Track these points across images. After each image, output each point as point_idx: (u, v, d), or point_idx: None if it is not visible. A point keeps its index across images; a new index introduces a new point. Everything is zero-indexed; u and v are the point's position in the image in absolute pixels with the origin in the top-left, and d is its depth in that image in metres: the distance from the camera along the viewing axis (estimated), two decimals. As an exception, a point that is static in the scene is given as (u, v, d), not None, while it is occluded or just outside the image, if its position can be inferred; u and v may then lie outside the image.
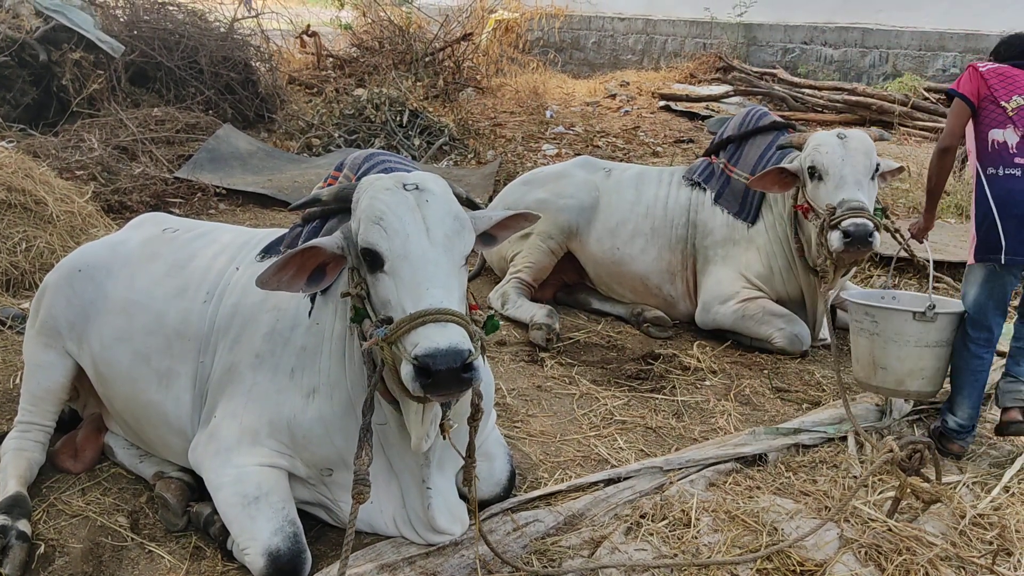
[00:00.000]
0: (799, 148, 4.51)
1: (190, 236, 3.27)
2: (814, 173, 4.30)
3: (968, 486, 3.40)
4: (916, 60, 12.49)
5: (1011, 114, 3.49)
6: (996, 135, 3.47)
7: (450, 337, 2.17)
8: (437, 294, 2.26)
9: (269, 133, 9.46)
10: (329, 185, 2.87)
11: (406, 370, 2.20)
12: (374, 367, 2.45)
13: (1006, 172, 3.42)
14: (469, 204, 2.68)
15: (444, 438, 2.51)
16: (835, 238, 4.06)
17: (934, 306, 3.62)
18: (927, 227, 3.87)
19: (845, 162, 4.22)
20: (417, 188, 2.42)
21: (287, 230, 3.06)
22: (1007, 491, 3.34)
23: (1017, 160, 3.42)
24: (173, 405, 2.99)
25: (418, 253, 2.31)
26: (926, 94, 11.40)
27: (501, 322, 4.91)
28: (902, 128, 10.71)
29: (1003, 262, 3.41)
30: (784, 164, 4.50)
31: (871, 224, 4.02)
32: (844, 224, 4.03)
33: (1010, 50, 3.67)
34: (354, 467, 2.39)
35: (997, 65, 3.62)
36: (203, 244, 3.22)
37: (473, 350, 2.19)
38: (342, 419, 2.71)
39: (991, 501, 3.26)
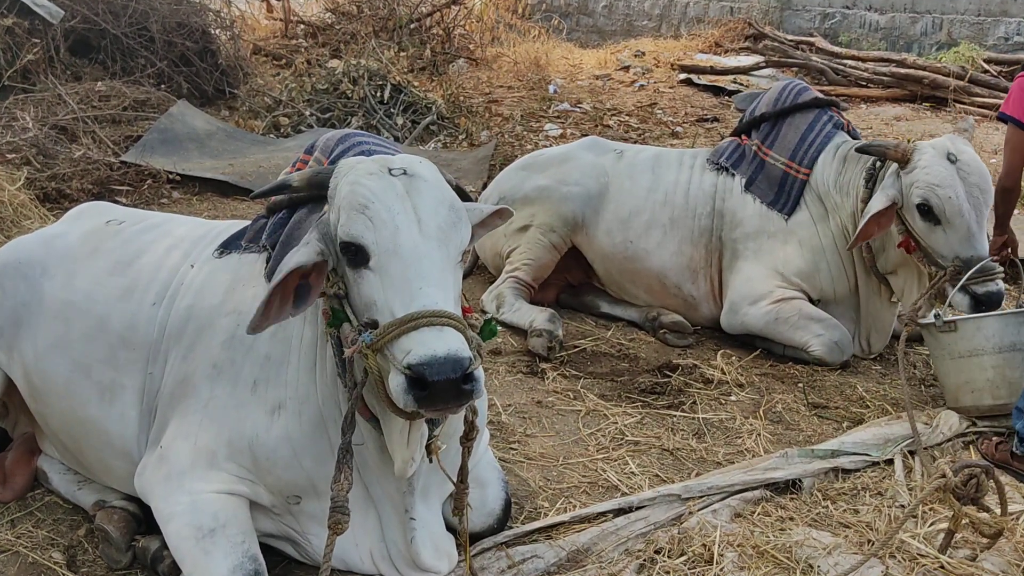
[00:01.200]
0: (898, 162, 4.35)
1: (137, 229, 3.27)
2: (927, 213, 4.22)
3: (1033, 517, 3.40)
4: (974, 27, 12.48)
5: None
6: None
7: (448, 343, 2.16)
8: (432, 294, 2.25)
9: (231, 111, 9.46)
10: (298, 170, 2.87)
11: (396, 381, 2.19)
12: (353, 379, 2.44)
13: None
14: (460, 194, 2.67)
15: (431, 461, 2.51)
16: (962, 301, 4.15)
17: (939, 315, 3.94)
18: (1003, 237, 3.88)
19: (969, 204, 4.17)
20: (405, 173, 2.42)
21: (250, 222, 3.06)
22: (1078, 522, 3.34)
23: None
24: (117, 423, 2.98)
25: (409, 247, 2.31)
26: (986, 66, 11.39)
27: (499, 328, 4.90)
28: (958, 105, 10.72)
29: None
30: (874, 208, 4.31)
31: (1003, 289, 4.16)
32: (979, 291, 4.12)
33: None
34: (331, 492, 2.38)
35: None
36: (153, 238, 3.21)
37: (473, 358, 2.19)
38: (311, 438, 2.70)
39: (1060, 534, 3.26)
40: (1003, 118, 3.82)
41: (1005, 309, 4.22)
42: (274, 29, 12.27)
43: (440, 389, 2.13)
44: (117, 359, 2.99)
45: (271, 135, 8.89)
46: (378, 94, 9.31)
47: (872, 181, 4.53)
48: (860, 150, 4.53)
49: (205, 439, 2.77)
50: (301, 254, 2.44)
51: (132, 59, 9.06)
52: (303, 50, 11.23)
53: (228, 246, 3.02)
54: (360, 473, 2.71)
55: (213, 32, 9.89)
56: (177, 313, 2.94)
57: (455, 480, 2.64)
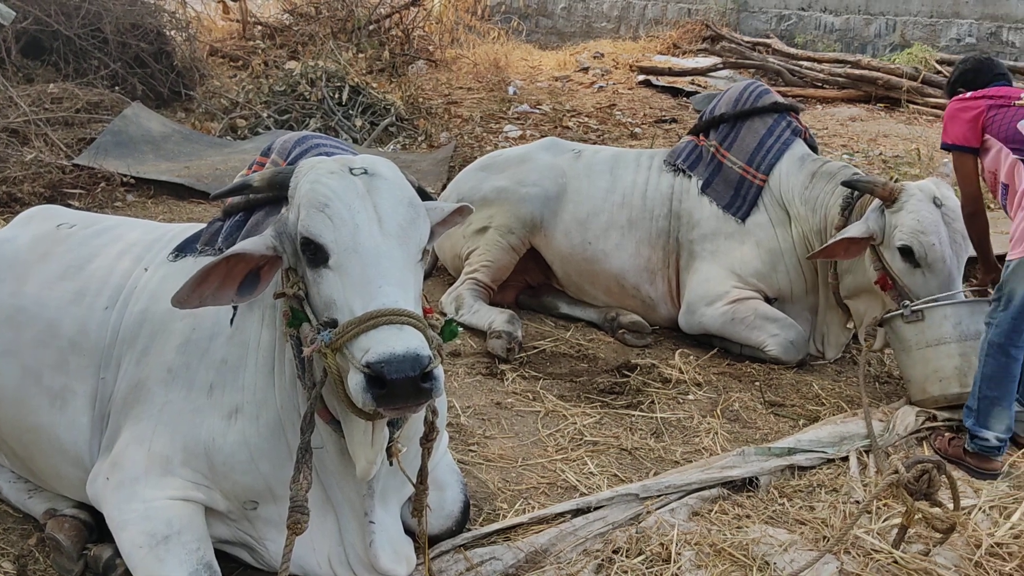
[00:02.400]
0: (884, 200, 4.35)
1: (89, 233, 3.22)
2: (909, 256, 4.24)
3: (985, 511, 3.46)
4: (927, 29, 12.68)
5: None
6: None
7: (407, 341, 2.16)
8: (391, 292, 2.25)
9: (186, 113, 9.37)
10: (255, 172, 2.84)
11: (355, 380, 2.18)
12: (313, 379, 2.43)
13: None
14: (422, 194, 2.66)
15: (392, 463, 2.50)
16: None
17: (907, 304, 4.09)
18: (990, 274, 3.91)
19: (951, 250, 4.22)
20: (366, 172, 2.42)
21: (205, 225, 3.03)
22: (1028, 516, 3.40)
23: None
24: (68, 429, 2.94)
25: (369, 245, 2.31)
26: (938, 67, 11.57)
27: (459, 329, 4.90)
28: (911, 105, 10.87)
29: None
30: (851, 232, 4.35)
31: None
32: None
33: (980, 76, 3.99)
34: (290, 491, 2.37)
35: (961, 98, 3.93)
36: (105, 242, 3.17)
37: (433, 357, 2.19)
38: (269, 442, 2.68)
39: (1011, 528, 3.32)
40: (946, 148, 3.90)
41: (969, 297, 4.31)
42: (231, 30, 12.17)
43: (399, 387, 2.13)
44: (68, 365, 2.95)
45: (228, 137, 8.82)
46: (336, 96, 9.26)
47: (848, 210, 4.56)
48: (847, 184, 4.52)
49: (159, 445, 2.74)
50: (249, 242, 2.45)
51: (85, 61, 8.95)
52: (260, 51, 11.14)
53: (183, 249, 2.99)
54: (319, 477, 2.69)
55: (168, 33, 9.79)
56: (131, 317, 2.91)
57: (415, 482, 2.64)
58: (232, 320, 2.76)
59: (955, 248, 4.21)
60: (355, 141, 8.67)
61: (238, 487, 2.72)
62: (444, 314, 5.05)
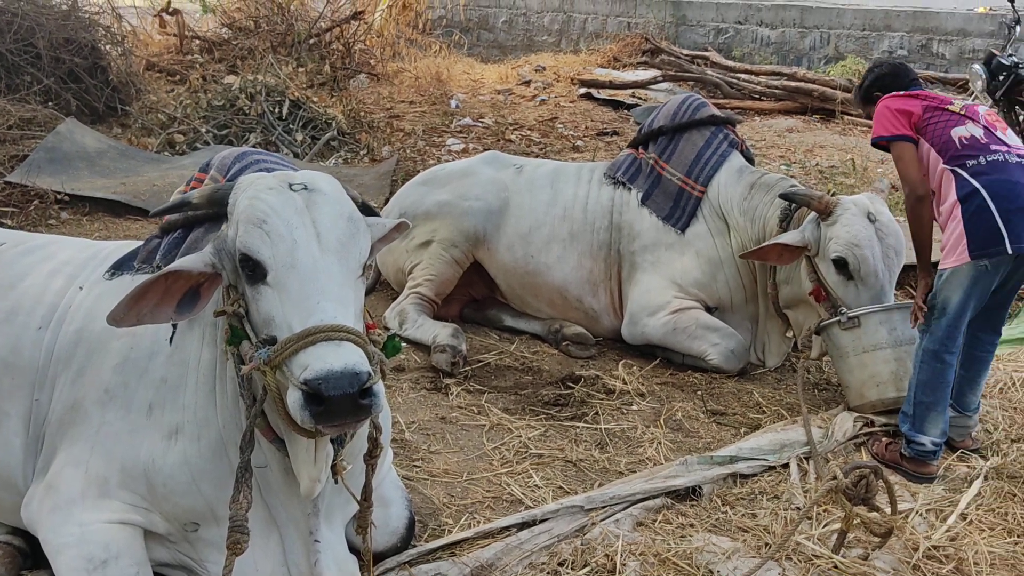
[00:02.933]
0: (819, 213, 4.42)
1: (19, 251, 3.15)
2: (843, 268, 4.31)
3: (922, 514, 3.53)
4: (860, 41, 12.96)
5: (962, 112, 3.80)
6: (960, 132, 3.73)
7: (345, 357, 2.15)
8: (329, 308, 2.24)
9: (123, 128, 9.22)
10: (193, 189, 2.82)
11: (293, 397, 2.17)
12: (253, 398, 2.41)
13: (990, 159, 3.65)
14: (365, 209, 2.66)
15: (336, 481, 2.49)
16: None
17: (843, 311, 4.19)
18: (928, 286, 3.92)
19: (884, 264, 4.30)
20: (306, 188, 2.41)
21: (142, 243, 2.99)
22: (964, 519, 3.48)
23: (995, 147, 3.68)
24: (1, 452, 2.87)
25: (307, 262, 2.30)
26: (872, 79, 11.82)
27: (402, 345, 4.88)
28: (846, 116, 11.09)
29: (1010, 251, 3.56)
30: (786, 239, 4.43)
31: None
32: None
33: (898, 80, 4.02)
34: (230, 512, 2.34)
35: (894, 95, 3.93)
36: (36, 260, 3.11)
37: (372, 373, 2.18)
38: (211, 463, 2.65)
39: (947, 531, 3.39)
40: (882, 140, 3.86)
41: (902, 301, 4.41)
42: (168, 44, 12.01)
43: (336, 404, 2.12)
44: (1, 385, 2.88)
45: (165, 153, 8.69)
46: (276, 110, 9.19)
47: (786, 222, 4.63)
48: (785, 196, 4.60)
49: (96, 466, 2.69)
50: (188, 260, 2.44)
51: (17, 76, 8.76)
52: (198, 66, 11.00)
53: (120, 267, 2.94)
54: (263, 496, 2.66)
55: (103, 48, 9.63)
56: (66, 337, 2.85)
57: (359, 499, 2.62)
58: (171, 338, 2.73)
59: (887, 263, 4.31)
60: (296, 156, 8.61)
61: (178, 509, 2.68)
62: (387, 329, 5.03)
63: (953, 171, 3.67)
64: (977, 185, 3.59)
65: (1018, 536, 3.35)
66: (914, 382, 3.79)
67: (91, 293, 2.91)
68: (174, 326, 2.72)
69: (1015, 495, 3.59)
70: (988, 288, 3.70)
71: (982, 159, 3.65)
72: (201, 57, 11.43)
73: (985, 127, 3.77)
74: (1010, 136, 3.82)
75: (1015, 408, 4.32)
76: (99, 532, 2.63)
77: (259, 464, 2.58)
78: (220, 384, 2.64)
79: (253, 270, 2.34)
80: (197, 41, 11.93)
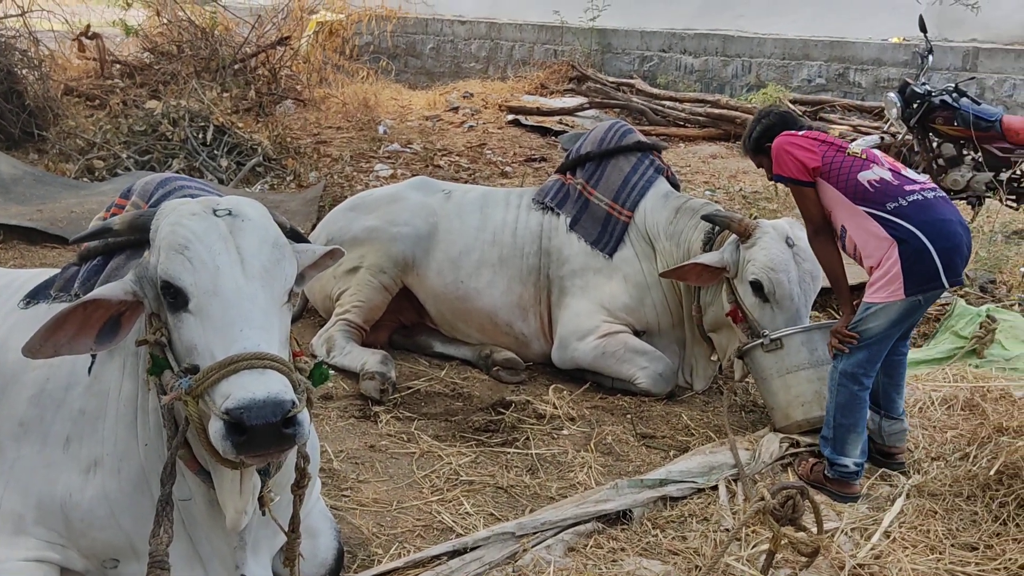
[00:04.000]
0: (739, 235, 4.49)
1: (-71, 281, 3.05)
2: (759, 290, 4.38)
3: (847, 533, 3.59)
4: (780, 70, 13.28)
5: (864, 156, 3.87)
6: (868, 176, 3.79)
7: (269, 386, 2.11)
8: (253, 336, 2.20)
9: (40, 154, 9.01)
10: (114, 215, 2.76)
11: (215, 427, 2.12)
12: (176, 428, 2.36)
13: (911, 200, 3.72)
14: (294, 235, 2.64)
15: (263, 513, 2.44)
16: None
17: (767, 333, 4.27)
18: (849, 317, 3.98)
19: (800, 288, 4.38)
20: (230, 214, 2.37)
21: (59, 271, 2.91)
22: (888, 536, 3.55)
23: (908, 187, 3.76)
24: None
25: (230, 288, 2.25)
26: (791, 106, 12.11)
27: (330, 373, 4.82)
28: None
29: (947, 287, 3.66)
30: (705, 259, 4.52)
31: None
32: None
33: (787, 128, 4.07)
34: (150, 547, 2.27)
35: (793, 133, 4.00)
36: (-55, 290, 3.01)
37: (297, 401, 2.14)
38: (132, 497, 2.57)
39: (871, 549, 3.45)
40: (779, 180, 3.97)
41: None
42: (88, 69, 11.78)
43: (259, 434, 2.07)
44: (-89, 420, 2.77)
45: (84, 179, 8.51)
46: (200, 135, 9.06)
47: (709, 244, 4.71)
48: (706, 218, 4.67)
49: (11, 503, 2.61)
50: (107, 288, 2.38)
51: (-71, 100, 8.52)
52: (119, 90, 10.81)
53: (35, 296, 2.85)
54: (187, 529, 2.59)
55: (19, 72, 9.41)
56: (-23, 369, 2.76)
57: (287, 530, 2.57)
58: (90, 369, 2.65)
59: (803, 287, 4.40)
60: (221, 182, 8.49)
61: (97, 544, 2.60)
62: (315, 356, 4.97)
63: (872, 214, 3.73)
64: (912, 228, 3.65)
65: (940, 553, 3.42)
66: (832, 405, 3.86)
67: (5, 323, 2.82)
68: (93, 356, 2.65)
69: (936, 512, 3.67)
70: (918, 317, 3.84)
71: (902, 200, 3.71)
72: (122, 82, 11.24)
73: (891, 169, 3.85)
74: (913, 174, 3.92)
75: (935, 427, 4.42)
76: (14, 571, 2.54)
77: (183, 497, 2.52)
78: (142, 415, 2.57)
79: (175, 297, 2.30)
80: (118, 65, 11.73)
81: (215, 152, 8.97)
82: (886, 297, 3.68)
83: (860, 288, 4.06)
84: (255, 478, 2.41)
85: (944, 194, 3.88)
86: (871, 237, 3.74)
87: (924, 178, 3.95)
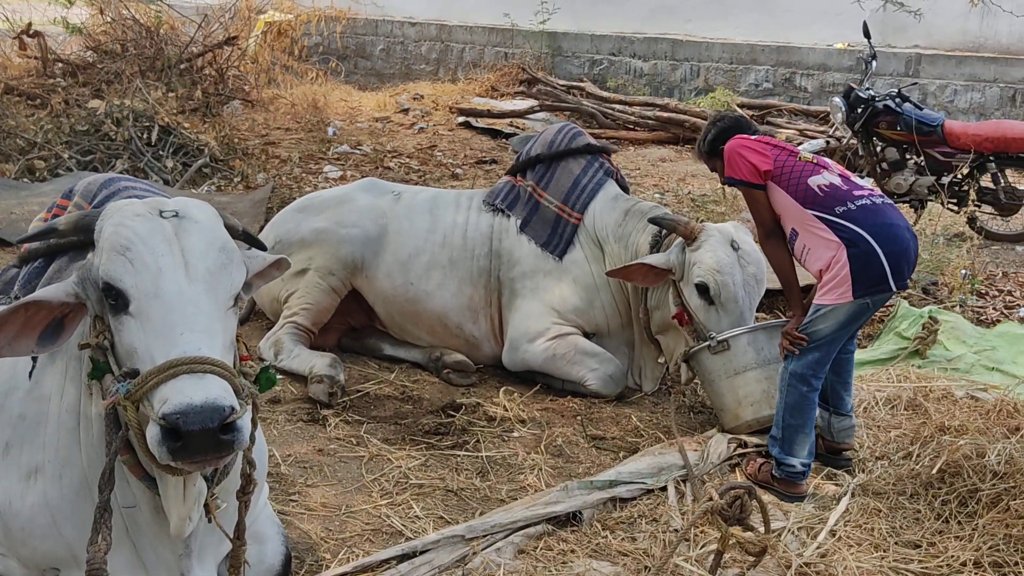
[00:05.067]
0: (685, 238, 4.52)
1: None
2: (704, 292, 4.41)
3: (793, 532, 3.63)
4: (728, 74, 13.43)
5: (815, 162, 3.94)
6: (818, 180, 3.86)
7: (207, 391, 2.08)
8: (194, 340, 2.16)
9: (-22, 155, 8.81)
10: (55, 216, 2.71)
11: (152, 432, 2.09)
12: (112, 434, 2.31)
13: (859, 204, 3.78)
14: (247, 239, 2.61)
15: (210, 520, 2.40)
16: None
17: (713, 335, 4.29)
18: (798, 321, 4.01)
19: (744, 292, 4.42)
20: (176, 215, 2.33)
21: (-2, 272, 2.86)
22: (833, 535, 3.59)
23: (856, 192, 3.83)
24: None
25: (172, 291, 2.21)
26: (739, 110, 12.26)
27: (278, 377, 4.77)
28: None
29: (894, 289, 3.73)
30: (651, 260, 4.54)
31: None
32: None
33: (741, 132, 4.12)
34: (87, 554, 2.22)
35: (746, 137, 4.05)
36: None
37: (236, 407, 2.11)
38: (74, 504, 2.52)
39: (817, 548, 3.49)
40: (731, 183, 4.02)
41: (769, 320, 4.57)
42: (29, 67, 11.52)
43: (195, 440, 2.04)
44: None
45: (25, 180, 8.33)
46: (145, 136, 8.92)
47: (657, 247, 4.73)
48: (653, 221, 4.70)
49: (-54, 512, 2.54)
50: (48, 290, 2.33)
51: None
52: (61, 90, 10.59)
53: (-29, 299, 2.79)
54: (131, 537, 2.54)
55: (-43, 70, 9.19)
56: (-87, 374, 2.69)
57: (232, 537, 2.54)
58: (31, 374, 2.60)
59: (748, 290, 4.45)
60: (166, 183, 8.37)
61: (38, 553, 2.56)
62: (262, 359, 4.92)
63: (822, 217, 3.78)
64: (860, 231, 3.71)
65: (884, 551, 3.48)
66: (781, 406, 3.90)
67: (-61, 328, 2.75)
68: (34, 360, 2.60)
69: (880, 511, 3.73)
70: (866, 320, 3.90)
71: (851, 205, 3.78)
72: (64, 81, 11.01)
73: (840, 175, 3.92)
74: (861, 181, 4.01)
75: (879, 427, 4.49)
76: (-52, 582, 2.48)
77: (128, 504, 2.48)
78: (84, 421, 2.52)
79: (116, 299, 2.25)
80: (60, 64, 11.50)
81: (160, 153, 8.84)
82: (835, 299, 3.73)
83: (807, 289, 4.11)
84: (200, 484, 2.37)
85: (891, 201, 3.97)
86: (820, 241, 3.79)
87: (870, 186, 4.02)
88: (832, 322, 3.77)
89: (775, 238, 3.98)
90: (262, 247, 2.83)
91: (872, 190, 3.94)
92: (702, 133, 4.31)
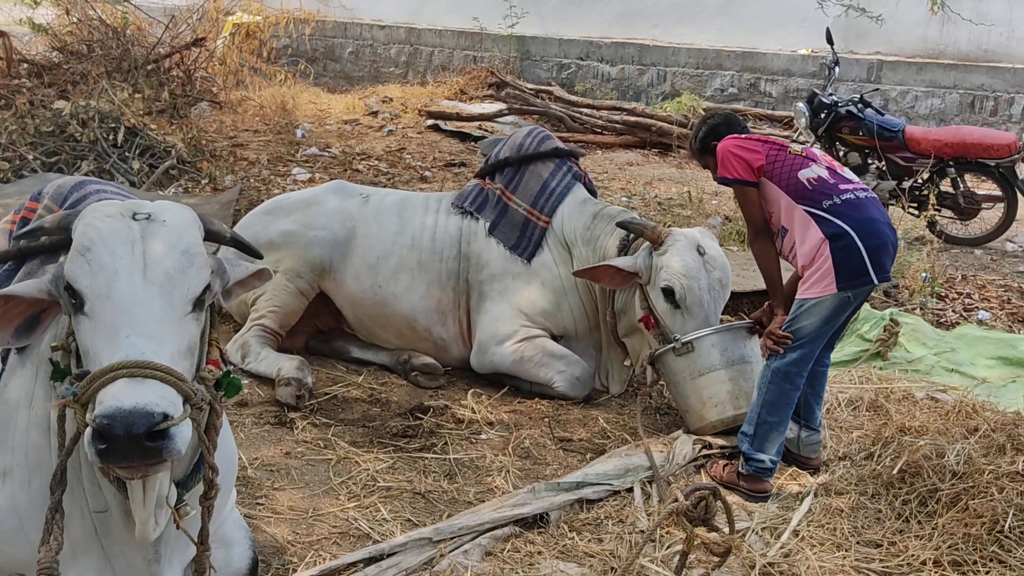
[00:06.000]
0: (652, 243, 4.53)
1: None
2: (670, 296, 4.42)
3: (757, 533, 3.65)
4: (694, 79, 13.50)
5: (804, 155, 3.99)
6: (808, 174, 3.91)
7: (140, 395, 2.04)
8: (138, 343, 2.12)
9: (-60, 155, 8.66)
10: (24, 219, 2.68)
11: (87, 434, 2.06)
12: (63, 436, 2.29)
13: (844, 198, 3.85)
14: (238, 246, 2.63)
15: (178, 526, 2.37)
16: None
17: (678, 338, 4.32)
18: (782, 320, 4.03)
19: (709, 296, 4.44)
20: (149, 218, 2.30)
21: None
22: (797, 535, 3.62)
23: (843, 186, 3.89)
24: None
25: (125, 293, 2.18)
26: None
27: (244, 380, 4.74)
28: (682, 151, 11.51)
29: (876, 282, 3.79)
30: (618, 262, 4.55)
31: None
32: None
33: (733, 129, 4.19)
34: (39, 554, 2.19)
35: (737, 136, 4.10)
36: None
37: (172, 414, 2.07)
38: (43, 509, 2.45)
39: (781, 548, 3.52)
40: (725, 182, 4.05)
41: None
42: (-7, 68, 11.38)
43: (120, 445, 2.00)
44: None
45: (-11, 181, 8.21)
46: (111, 137, 8.81)
47: (625, 251, 4.74)
48: (620, 225, 4.71)
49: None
50: (24, 285, 2.31)
51: None
52: (26, 90, 10.45)
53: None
54: (102, 542, 2.51)
55: (-81, 70, 9.03)
56: None
57: (196, 541, 2.51)
58: (0, 375, 2.56)
59: (713, 294, 4.47)
60: (133, 184, 8.27)
61: (4, 558, 2.52)
62: (229, 363, 4.87)
63: (810, 212, 3.84)
64: (844, 226, 3.77)
65: (846, 550, 3.51)
66: (759, 402, 3.92)
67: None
68: (2, 365, 2.56)
69: (843, 511, 3.76)
70: (847, 316, 3.96)
71: (836, 199, 3.83)
72: (29, 81, 10.85)
73: (828, 168, 3.97)
74: (848, 173, 4.06)
75: (841, 427, 4.53)
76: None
77: (99, 508, 2.45)
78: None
79: (74, 298, 2.23)
80: (25, 64, 11.35)
81: (126, 154, 8.73)
82: (819, 292, 3.78)
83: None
84: (160, 489, 2.34)
85: (874, 195, 4.02)
86: (808, 236, 3.84)
87: (856, 178, 4.06)
88: (816, 317, 3.81)
89: (764, 237, 4.01)
90: (256, 254, 2.81)
91: (857, 183, 3.99)
92: (693, 131, 4.37)
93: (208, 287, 2.36)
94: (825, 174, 3.93)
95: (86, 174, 7.88)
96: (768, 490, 3.94)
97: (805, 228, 3.85)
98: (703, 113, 12.10)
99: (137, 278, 2.21)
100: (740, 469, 3.97)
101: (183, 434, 2.11)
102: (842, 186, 3.91)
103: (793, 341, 3.84)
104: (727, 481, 3.97)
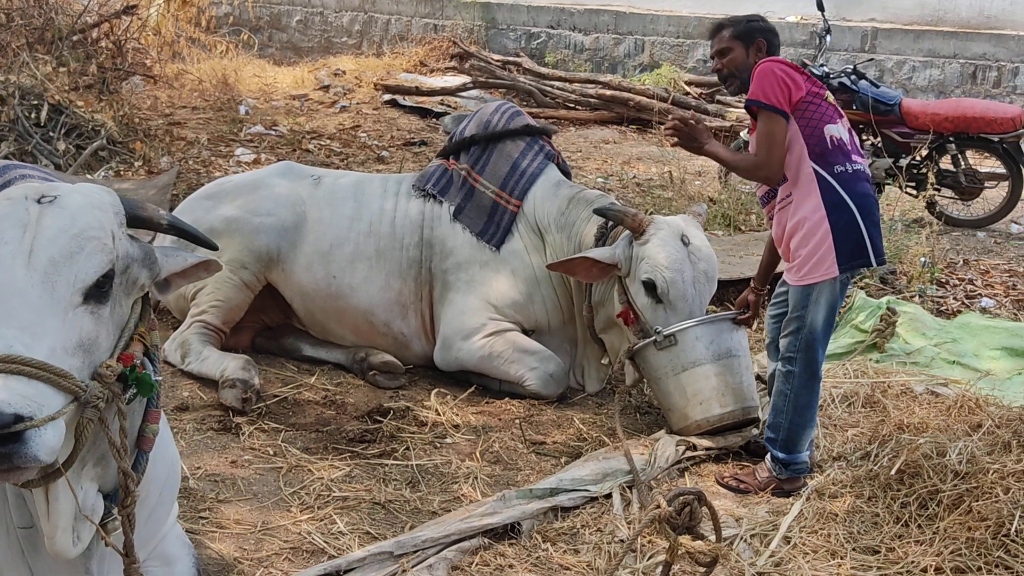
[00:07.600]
0: (632, 231, 4.54)
1: None
2: (652, 290, 4.43)
3: (746, 540, 3.68)
4: (674, 49, 13.55)
5: (835, 105, 3.96)
6: (833, 131, 3.88)
7: None
8: (7, 335, 2.09)
9: None
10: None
11: None
12: None
13: (854, 168, 3.87)
14: (177, 231, 2.60)
15: (106, 543, 2.35)
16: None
17: (659, 330, 4.34)
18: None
19: (694, 289, 4.45)
20: (53, 201, 2.27)
21: None
22: (788, 542, 3.66)
23: (854, 156, 3.91)
24: None
25: (2, 281, 2.15)
26: (687, 88, 12.39)
27: (186, 382, 4.71)
28: (662, 127, 11.54)
29: (874, 264, 3.85)
30: (595, 254, 4.56)
31: None
32: None
33: (775, 46, 4.03)
34: None
35: (783, 60, 3.94)
36: None
37: (30, 415, 2.02)
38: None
39: (771, 556, 3.55)
40: (757, 104, 3.80)
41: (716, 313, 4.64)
42: (-100, 38, 11.21)
43: None
44: None
45: (-103, 164, 8.08)
46: (33, 115, 8.70)
47: (602, 239, 4.75)
48: (598, 212, 4.70)
49: None
50: None
51: None
52: (-61, 64, 10.33)
53: None
54: (28, 560, 2.48)
55: None
56: None
57: (122, 554, 2.49)
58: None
59: (698, 288, 4.49)
60: (58, 167, 8.18)
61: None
62: (168, 363, 4.85)
63: (818, 172, 3.82)
64: (846, 197, 3.80)
65: (841, 558, 3.54)
66: (789, 408, 3.95)
67: None
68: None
69: (836, 515, 3.80)
70: (841, 302, 3.99)
71: (848, 167, 3.86)
72: (-59, 54, 10.73)
73: (848, 131, 3.96)
74: (857, 141, 4.09)
75: (835, 425, 4.58)
76: None
77: (24, 524, 2.42)
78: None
79: None
80: (-63, 36, 11.20)
81: (50, 134, 8.64)
82: (822, 275, 3.82)
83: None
84: (62, 501, 2.29)
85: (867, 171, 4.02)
86: (808, 197, 3.82)
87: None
88: (823, 305, 3.86)
89: (760, 173, 3.88)
90: (207, 244, 2.76)
91: (862, 156, 4.01)
92: (737, 17, 4.11)
93: (108, 276, 2.32)
94: (846, 137, 3.92)
95: (6, 156, 7.79)
96: (804, 483, 4.04)
97: (808, 187, 3.84)
98: (684, 86, 12.16)
99: (19, 265, 2.17)
100: (778, 475, 4.02)
101: (44, 439, 2.05)
102: (854, 155, 3.91)
103: (813, 338, 3.87)
104: (772, 490, 4.01)
